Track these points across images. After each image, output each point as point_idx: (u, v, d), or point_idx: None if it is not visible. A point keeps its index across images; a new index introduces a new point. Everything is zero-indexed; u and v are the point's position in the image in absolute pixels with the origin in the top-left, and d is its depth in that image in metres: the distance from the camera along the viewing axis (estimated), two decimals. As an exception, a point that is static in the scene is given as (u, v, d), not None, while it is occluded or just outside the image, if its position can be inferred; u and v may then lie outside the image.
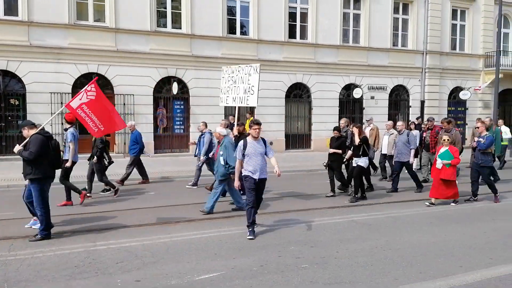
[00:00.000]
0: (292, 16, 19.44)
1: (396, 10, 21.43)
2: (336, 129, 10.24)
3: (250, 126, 6.88)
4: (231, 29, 18.44)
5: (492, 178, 10.41)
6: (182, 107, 17.92)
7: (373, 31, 20.69)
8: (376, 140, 12.80)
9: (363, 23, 20.66)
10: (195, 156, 11.41)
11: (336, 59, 20.13)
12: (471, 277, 5.13)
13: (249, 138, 6.84)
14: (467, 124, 23.03)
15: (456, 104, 23.06)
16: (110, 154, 10.11)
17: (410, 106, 22.03)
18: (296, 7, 19.50)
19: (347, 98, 20.81)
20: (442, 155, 9.06)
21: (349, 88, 20.72)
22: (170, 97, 17.62)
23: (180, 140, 17.91)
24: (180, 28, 17.48)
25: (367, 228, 7.33)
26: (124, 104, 16.37)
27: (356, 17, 20.74)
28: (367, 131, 13.09)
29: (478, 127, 9.83)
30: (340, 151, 10.02)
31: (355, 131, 9.66)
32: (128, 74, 16.41)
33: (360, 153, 9.53)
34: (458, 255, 5.91)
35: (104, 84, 16.42)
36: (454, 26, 22.80)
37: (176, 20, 17.56)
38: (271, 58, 18.84)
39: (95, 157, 9.54)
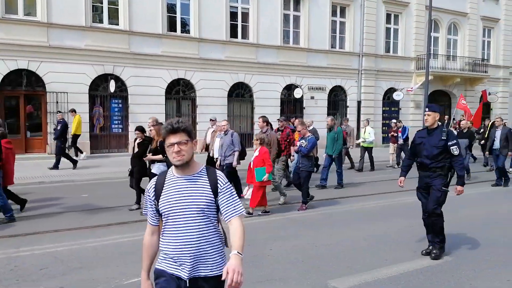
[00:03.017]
0: (233, 15, 19.48)
1: (334, 13, 22.09)
2: (139, 129, 8.54)
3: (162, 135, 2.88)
4: (172, 27, 18.16)
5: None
6: (120, 105, 17.41)
7: (312, 33, 21.19)
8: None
9: (303, 25, 21.11)
10: None
11: (277, 60, 20.41)
12: (395, 270, 5.38)
13: (173, 170, 2.74)
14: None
15: (390, 104, 24.17)
16: None
17: (348, 106, 22.81)
18: (237, 7, 19.56)
19: (288, 98, 21.18)
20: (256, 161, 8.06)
21: (290, 88, 21.10)
22: (107, 95, 17.05)
23: (119, 139, 17.40)
24: (118, 24, 16.97)
25: (302, 225, 7.49)
26: (57, 102, 15.63)
27: (296, 19, 21.16)
28: (209, 133, 11.61)
29: (299, 131, 8.92)
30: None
31: (153, 132, 8.14)
32: (61, 71, 15.67)
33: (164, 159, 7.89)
34: (384, 249, 6.19)
35: (35, 81, 15.65)
36: (388, 30, 23.88)
37: (114, 16, 17.03)
38: (213, 57, 18.78)
39: None
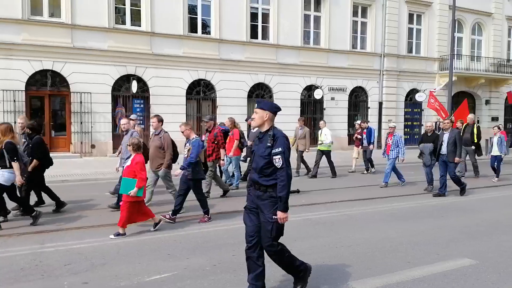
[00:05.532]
0: (254, 16, 19.54)
1: (355, 14, 21.92)
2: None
3: None
4: (193, 28, 18.32)
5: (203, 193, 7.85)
6: (142, 106, 17.65)
7: (333, 34, 21.07)
8: None
9: (324, 25, 21.01)
10: None
11: (298, 60, 20.36)
12: (417, 273, 5.29)
13: None
14: (422, 125, 23.82)
15: (412, 105, 23.84)
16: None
17: (369, 107, 22.58)
18: (257, 8, 19.60)
19: (308, 99, 21.10)
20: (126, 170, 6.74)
21: (310, 89, 21.02)
22: (130, 95, 17.30)
23: (140, 139, 17.60)
24: (140, 26, 17.22)
25: (322, 226, 7.45)
26: (80, 102, 15.96)
27: (317, 19, 21.07)
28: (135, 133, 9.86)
29: (183, 131, 7.82)
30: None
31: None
32: (85, 71, 16.00)
33: (5, 164, 6.81)
34: (406, 251, 6.10)
35: (60, 81, 15.99)
36: (410, 30, 23.57)
37: (136, 18, 17.28)
38: (233, 58, 18.86)
39: None
